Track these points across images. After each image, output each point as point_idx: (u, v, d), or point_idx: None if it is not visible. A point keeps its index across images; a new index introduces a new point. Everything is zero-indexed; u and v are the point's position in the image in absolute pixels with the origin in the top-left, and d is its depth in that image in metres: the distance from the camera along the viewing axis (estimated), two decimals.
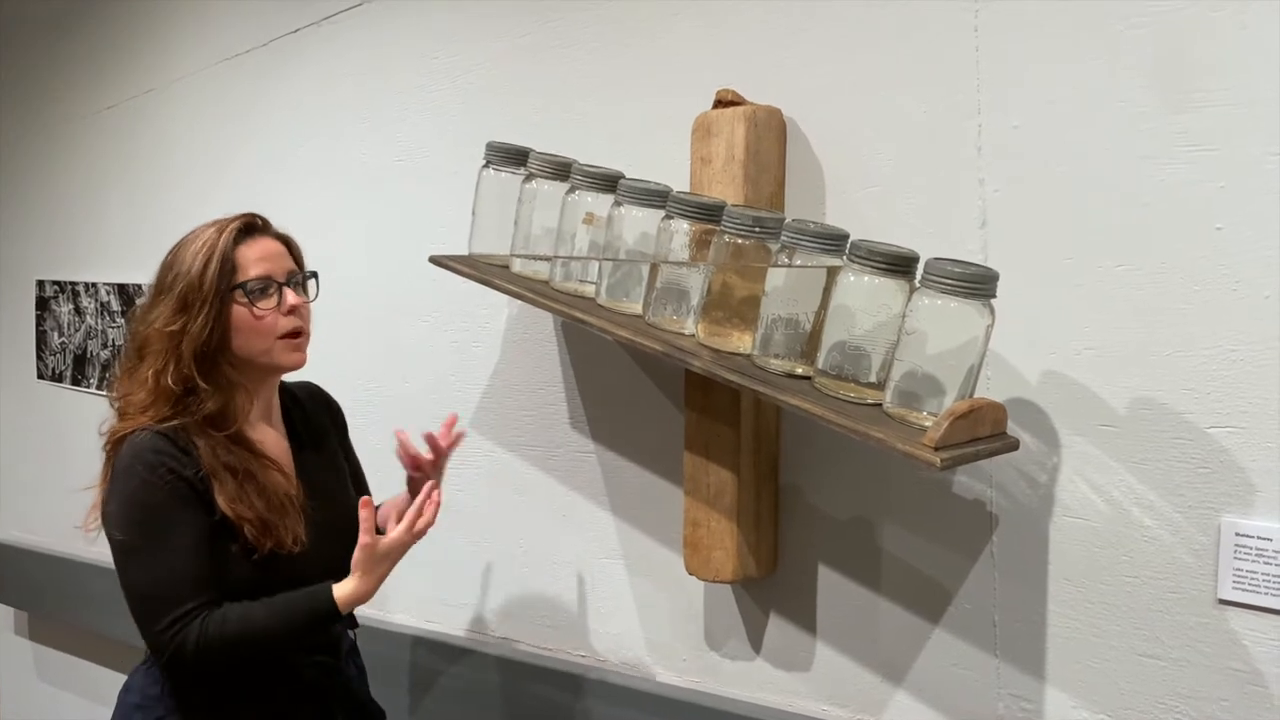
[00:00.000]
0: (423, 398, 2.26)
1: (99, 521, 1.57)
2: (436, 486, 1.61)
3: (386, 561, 1.55)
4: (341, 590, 1.52)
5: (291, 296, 1.59)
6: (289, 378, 1.71)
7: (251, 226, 1.61)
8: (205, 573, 1.50)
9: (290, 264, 1.62)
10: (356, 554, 1.51)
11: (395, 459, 1.78)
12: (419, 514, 1.56)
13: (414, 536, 1.56)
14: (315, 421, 1.76)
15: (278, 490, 1.57)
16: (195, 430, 1.54)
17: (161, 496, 1.50)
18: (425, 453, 1.77)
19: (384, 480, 1.90)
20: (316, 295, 1.67)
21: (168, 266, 1.59)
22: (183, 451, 1.52)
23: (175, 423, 1.54)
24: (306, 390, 1.81)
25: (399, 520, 1.71)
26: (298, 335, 1.60)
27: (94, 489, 1.59)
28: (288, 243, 1.65)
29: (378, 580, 1.54)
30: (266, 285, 1.57)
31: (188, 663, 1.49)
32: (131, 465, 1.51)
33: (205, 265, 1.54)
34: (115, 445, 1.56)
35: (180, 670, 1.54)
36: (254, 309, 1.56)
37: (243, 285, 1.56)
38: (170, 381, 1.53)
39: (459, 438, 1.81)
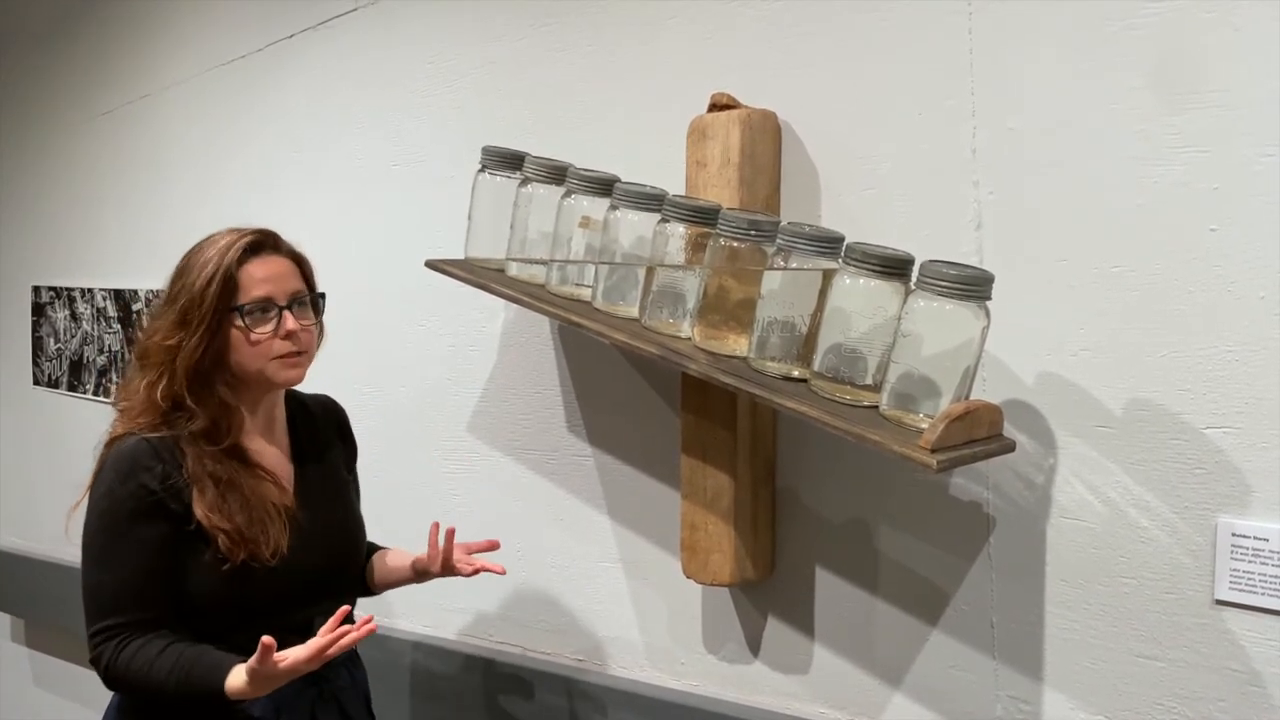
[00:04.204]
0: (418, 402, 2.26)
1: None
2: (367, 622, 1.44)
3: (280, 679, 1.42)
4: (233, 682, 1.43)
5: (290, 321, 1.55)
6: (304, 388, 1.68)
7: (261, 244, 1.56)
8: (146, 591, 1.49)
9: (297, 284, 1.58)
10: (250, 664, 1.40)
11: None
12: (333, 643, 1.41)
13: (320, 663, 1.42)
14: (322, 434, 1.73)
15: (265, 501, 1.55)
16: (187, 440, 1.53)
17: (123, 509, 1.49)
18: (445, 552, 1.72)
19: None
20: (322, 314, 1.63)
21: (179, 273, 1.57)
22: (162, 460, 1.51)
23: (166, 433, 1.53)
24: (319, 402, 1.78)
25: (414, 569, 1.72)
26: (295, 354, 1.57)
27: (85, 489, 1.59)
28: (299, 261, 1.61)
29: (269, 690, 1.44)
30: (266, 308, 1.54)
31: (100, 675, 1.51)
32: (106, 472, 1.52)
33: (208, 283, 1.51)
34: (106, 447, 1.57)
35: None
36: (250, 333, 1.53)
37: (240, 308, 1.52)
38: (160, 396, 1.53)
39: (487, 548, 1.76)
